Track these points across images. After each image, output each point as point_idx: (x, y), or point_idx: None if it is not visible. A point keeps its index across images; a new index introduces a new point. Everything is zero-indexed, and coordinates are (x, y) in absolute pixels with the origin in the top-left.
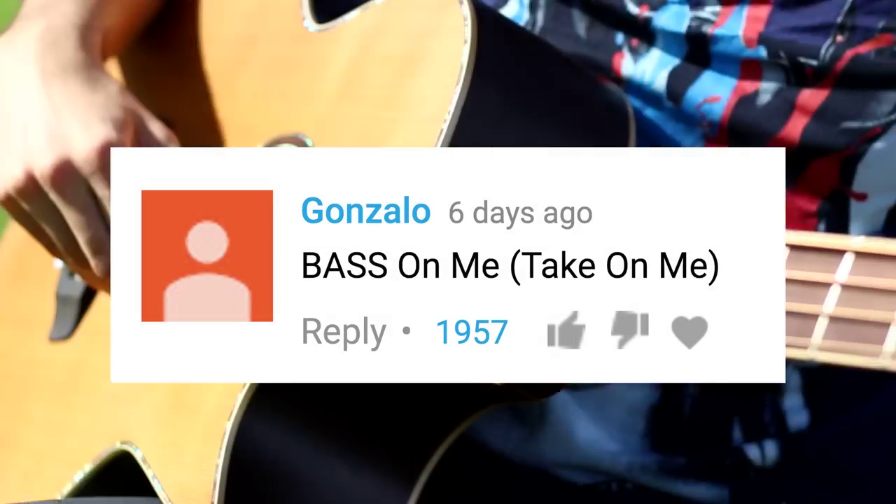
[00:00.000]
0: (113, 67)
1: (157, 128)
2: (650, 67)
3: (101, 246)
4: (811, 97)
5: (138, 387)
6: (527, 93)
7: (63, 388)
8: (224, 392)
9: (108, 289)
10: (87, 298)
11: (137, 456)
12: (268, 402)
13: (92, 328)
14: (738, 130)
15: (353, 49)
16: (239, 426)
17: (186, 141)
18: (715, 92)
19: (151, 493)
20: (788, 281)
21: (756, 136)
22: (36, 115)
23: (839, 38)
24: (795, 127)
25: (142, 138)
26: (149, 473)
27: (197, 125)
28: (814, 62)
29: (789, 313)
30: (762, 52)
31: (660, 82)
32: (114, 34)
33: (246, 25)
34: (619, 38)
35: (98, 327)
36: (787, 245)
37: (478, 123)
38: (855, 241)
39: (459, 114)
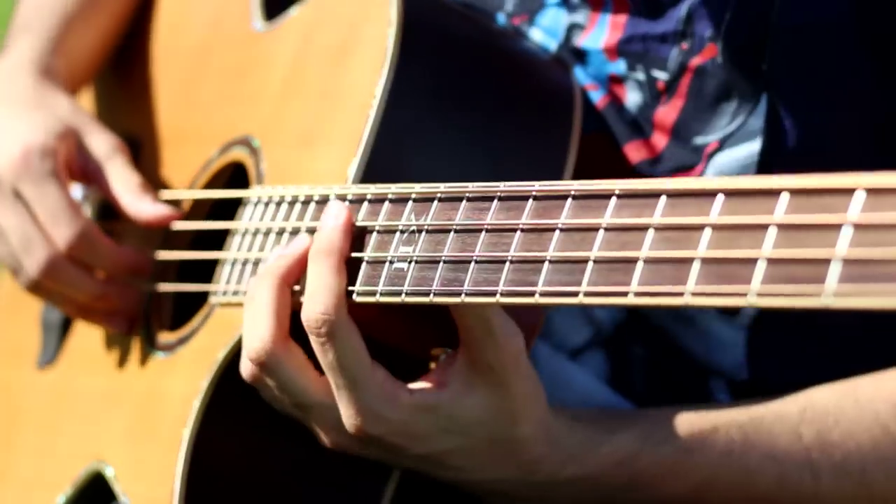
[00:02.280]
0: (87, 93)
1: (100, 141)
2: (538, 38)
3: (29, 245)
4: (666, 114)
5: (111, 403)
6: (461, 71)
7: (48, 414)
8: (181, 400)
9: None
10: (68, 322)
11: (108, 474)
12: (224, 407)
13: (73, 351)
14: (610, 124)
15: (295, 45)
16: (196, 433)
17: (150, 154)
18: (591, 83)
19: None
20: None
21: (623, 138)
22: None
23: (684, 46)
24: (658, 143)
25: (83, 151)
26: (117, 490)
27: (158, 138)
28: (664, 75)
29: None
30: (622, 65)
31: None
32: (88, 51)
33: (202, 34)
34: (501, 18)
35: (78, 349)
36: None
37: (407, 107)
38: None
39: (387, 98)
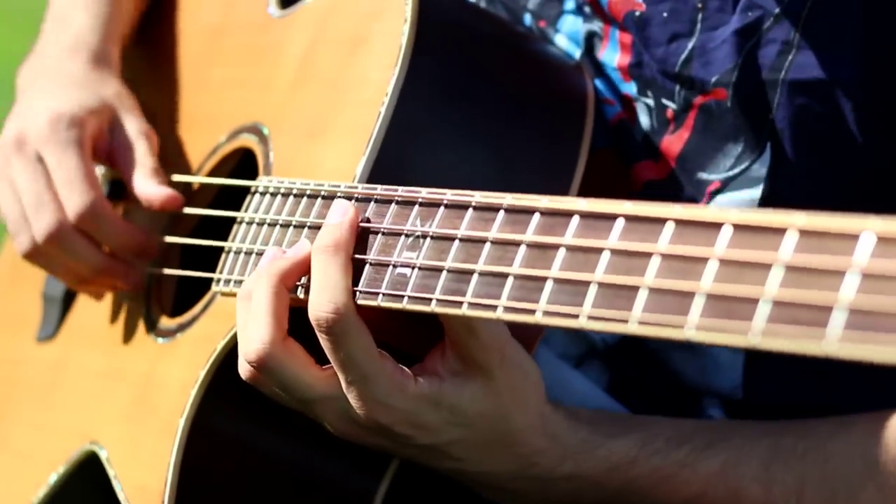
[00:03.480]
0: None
1: (132, 123)
2: (562, 44)
3: (40, 207)
4: (672, 143)
5: (108, 384)
6: (474, 72)
7: (46, 387)
8: (179, 388)
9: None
10: (70, 297)
11: (102, 456)
12: (220, 397)
13: (73, 327)
14: (622, 138)
15: (308, 34)
16: (192, 423)
17: (163, 134)
18: (609, 97)
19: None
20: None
21: (633, 157)
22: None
23: (684, 88)
24: (665, 168)
25: (114, 131)
26: (111, 474)
27: (172, 118)
28: (673, 105)
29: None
30: (633, 88)
31: (576, 56)
32: (129, 26)
33: (219, 16)
34: (528, 18)
35: (78, 325)
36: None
37: (418, 106)
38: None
39: (398, 96)
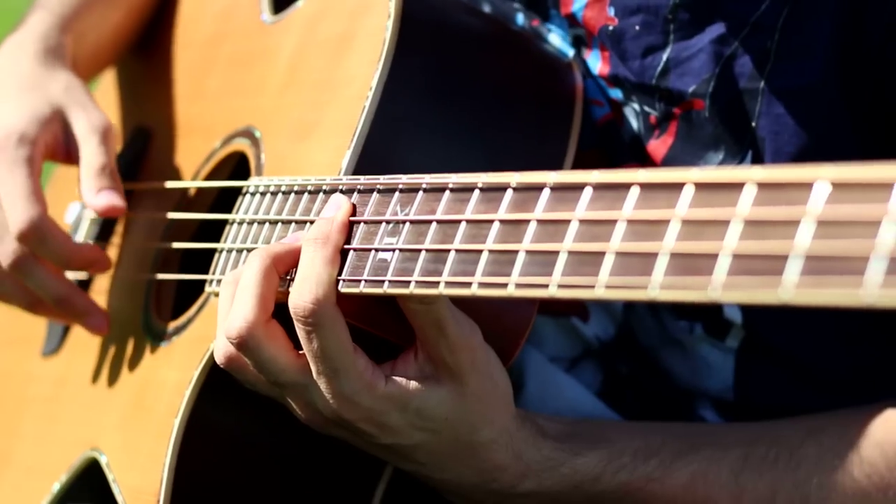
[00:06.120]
0: (110, 84)
1: (81, 120)
2: (556, 43)
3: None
4: (657, 148)
5: (108, 392)
6: (458, 66)
7: (50, 400)
8: (174, 390)
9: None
10: None
11: (103, 462)
12: (215, 396)
13: (75, 339)
14: (610, 140)
15: (298, 36)
16: (186, 423)
17: (161, 143)
18: (598, 98)
19: None
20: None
21: (620, 159)
22: None
23: (661, 98)
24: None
25: (67, 131)
26: (110, 478)
27: (169, 128)
28: (655, 112)
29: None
30: (619, 93)
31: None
32: (101, 37)
33: (215, 25)
34: (520, 17)
35: (80, 338)
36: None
37: (402, 99)
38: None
39: (382, 90)
